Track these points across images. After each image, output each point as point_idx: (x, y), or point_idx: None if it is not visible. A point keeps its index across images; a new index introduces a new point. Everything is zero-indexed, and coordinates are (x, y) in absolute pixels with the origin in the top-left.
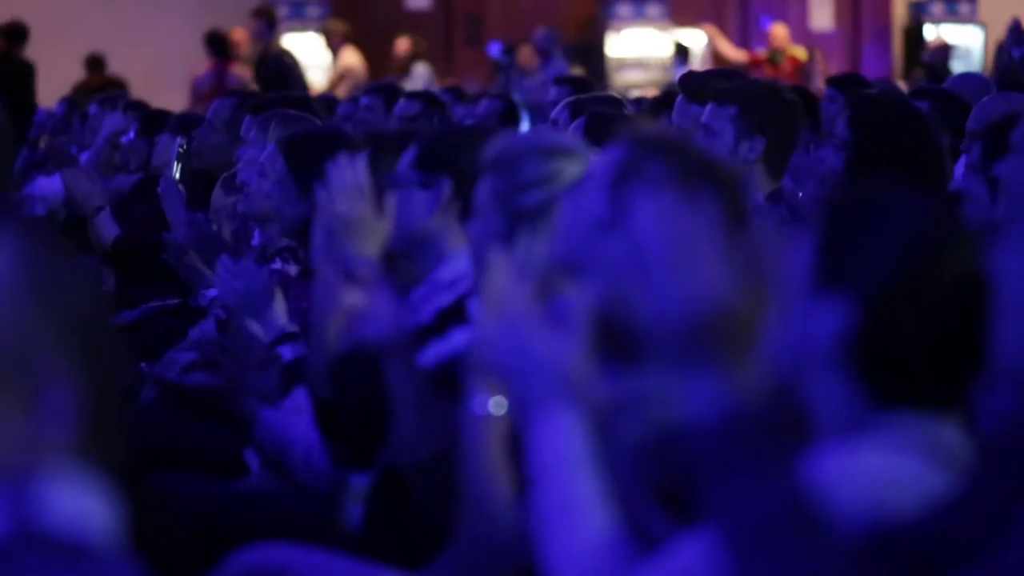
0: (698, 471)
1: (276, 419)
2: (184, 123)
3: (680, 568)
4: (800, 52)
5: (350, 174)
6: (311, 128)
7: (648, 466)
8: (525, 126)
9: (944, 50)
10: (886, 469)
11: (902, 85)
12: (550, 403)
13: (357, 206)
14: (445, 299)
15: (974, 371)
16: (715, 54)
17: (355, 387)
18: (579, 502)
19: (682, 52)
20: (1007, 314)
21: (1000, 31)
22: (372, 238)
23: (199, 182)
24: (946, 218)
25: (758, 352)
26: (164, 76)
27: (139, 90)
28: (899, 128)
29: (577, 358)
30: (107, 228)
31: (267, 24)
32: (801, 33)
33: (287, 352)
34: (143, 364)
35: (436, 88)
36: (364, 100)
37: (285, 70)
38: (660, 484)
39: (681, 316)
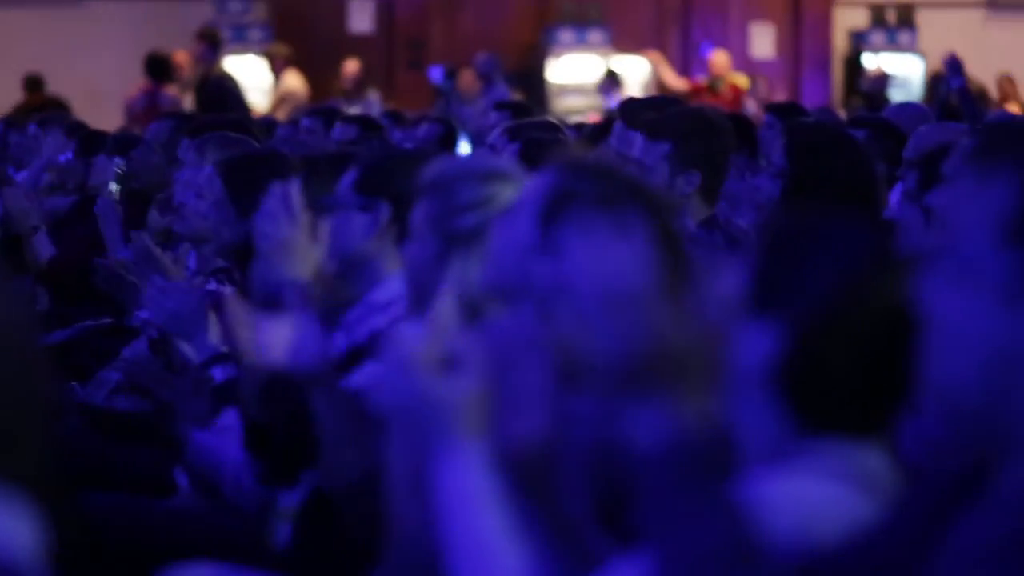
0: (639, 500)
1: (206, 440)
2: (122, 144)
3: None
4: (741, 79)
5: (283, 198)
6: (249, 150)
7: (589, 487)
8: (465, 150)
9: (882, 79)
10: (814, 496)
11: (841, 114)
12: (447, 443)
13: (289, 230)
14: (379, 321)
15: (900, 399)
16: (658, 81)
17: (284, 408)
18: (488, 543)
19: (611, 78)
20: (933, 345)
21: (939, 61)
22: (304, 262)
23: (136, 203)
24: (879, 247)
25: (707, 382)
26: (104, 97)
27: (80, 110)
28: (834, 156)
29: (471, 396)
30: (43, 248)
31: (210, 46)
32: (742, 61)
33: (218, 373)
34: (75, 384)
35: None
36: (304, 123)
37: (225, 93)
38: (601, 505)
39: (619, 353)
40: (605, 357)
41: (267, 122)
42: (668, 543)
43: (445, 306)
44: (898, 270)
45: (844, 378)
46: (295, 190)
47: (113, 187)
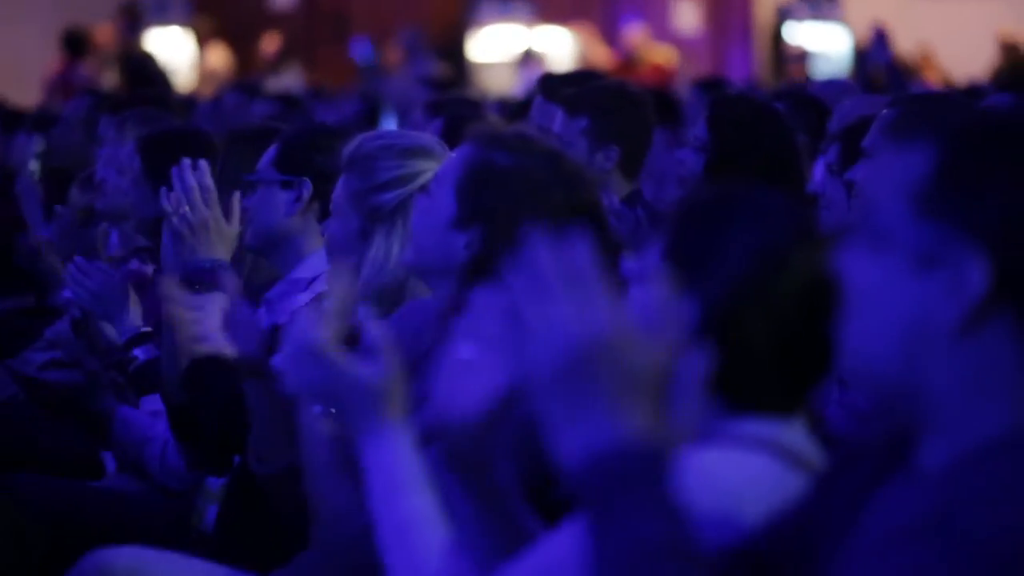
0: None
1: (132, 417)
2: (41, 121)
3: (543, 563)
4: (662, 55)
5: (196, 177)
6: (168, 127)
7: (518, 462)
8: (390, 125)
9: (803, 56)
10: (737, 475)
11: (767, 86)
12: (367, 426)
13: (202, 210)
14: (302, 299)
15: (821, 374)
16: (584, 55)
17: (209, 391)
18: (412, 522)
19: (529, 54)
20: (852, 316)
21: (864, 32)
22: (220, 242)
23: (56, 181)
24: (798, 220)
25: (652, 381)
26: (24, 73)
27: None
28: (757, 129)
29: (387, 378)
30: None
31: (130, 22)
32: (665, 34)
33: (141, 353)
34: None
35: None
36: (227, 99)
37: (147, 69)
38: (529, 483)
39: (551, 354)
40: (538, 363)
41: (188, 99)
42: (604, 549)
43: (342, 286)
44: (818, 243)
45: (762, 354)
46: (206, 169)
47: (33, 165)
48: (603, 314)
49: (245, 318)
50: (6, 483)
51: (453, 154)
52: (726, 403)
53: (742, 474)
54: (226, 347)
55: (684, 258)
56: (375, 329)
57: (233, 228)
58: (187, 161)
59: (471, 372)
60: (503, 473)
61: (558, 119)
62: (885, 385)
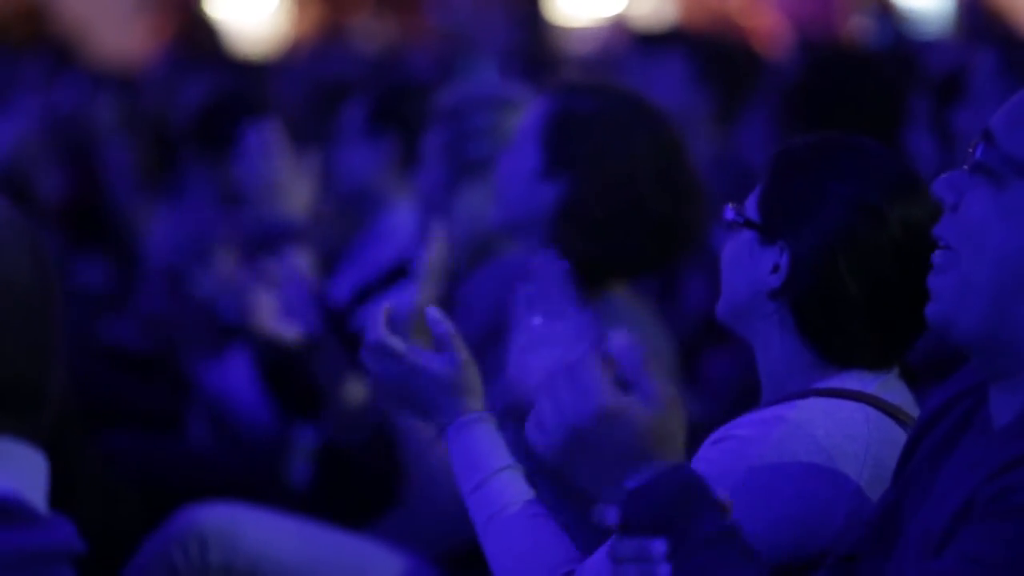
0: None
1: (218, 376)
2: (125, 83)
3: None
4: (763, 20)
5: (264, 138)
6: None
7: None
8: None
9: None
10: (833, 429)
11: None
12: (446, 419)
13: (274, 170)
14: (390, 251)
15: (916, 329)
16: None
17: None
18: (505, 512)
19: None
20: (959, 253)
21: None
22: (294, 199)
23: (145, 142)
24: (896, 173)
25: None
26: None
27: None
28: (856, 83)
29: (456, 370)
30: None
31: None
32: None
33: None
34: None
35: None
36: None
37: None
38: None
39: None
40: None
41: (267, 59)
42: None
43: (434, 254)
44: (915, 197)
45: (856, 307)
46: (277, 130)
47: (113, 126)
48: (591, 398)
49: (303, 299)
50: (96, 444)
51: (533, 105)
52: (820, 356)
53: (838, 430)
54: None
55: (780, 206)
56: (440, 322)
57: (306, 186)
58: (252, 123)
59: (542, 343)
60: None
61: (666, 62)
62: (975, 333)
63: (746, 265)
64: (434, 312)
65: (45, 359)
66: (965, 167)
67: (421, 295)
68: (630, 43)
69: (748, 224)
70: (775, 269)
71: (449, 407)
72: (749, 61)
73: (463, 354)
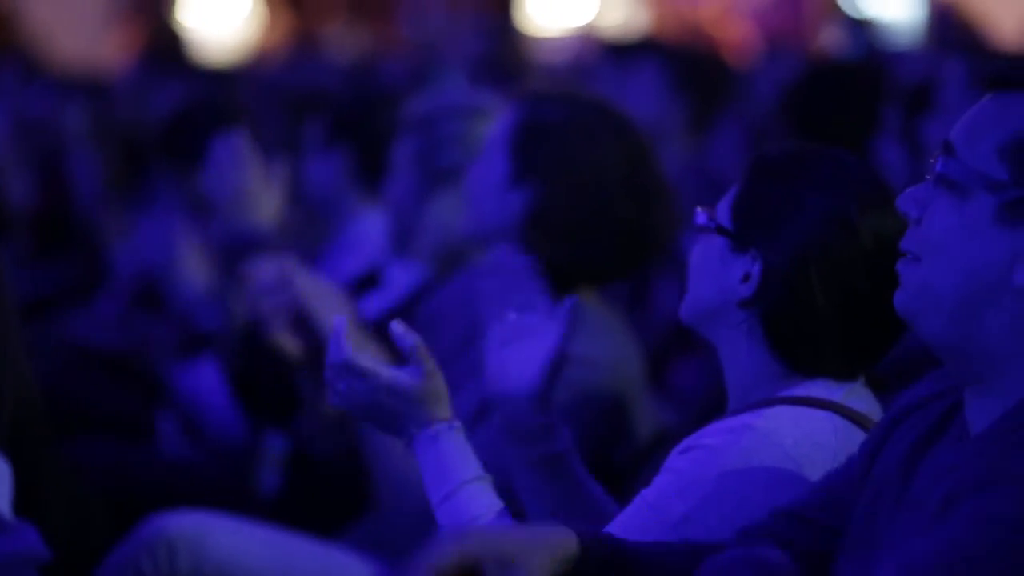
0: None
1: (188, 382)
2: (95, 90)
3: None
4: (733, 31)
5: (233, 147)
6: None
7: (577, 433)
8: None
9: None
10: (801, 437)
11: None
12: (414, 431)
13: (243, 179)
14: (357, 261)
15: (886, 340)
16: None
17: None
18: (474, 520)
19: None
20: (920, 260)
21: None
22: (263, 209)
23: (114, 150)
24: (869, 185)
25: None
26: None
27: None
28: (839, 96)
29: (424, 381)
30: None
31: None
32: None
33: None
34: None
35: None
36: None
37: (176, 44)
38: (590, 449)
39: None
40: None
41: (237, 68)
42: None
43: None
44: (887, 209)
45: (826, 317)
46: (246, 139)
47: (82, 133)
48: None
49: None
50: (63, 448)
51: (502, 114)
52: (789, 365)
53: (806, 439)
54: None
55: (754, 215)
56: (404, 336)
57: (275, 195)
58: (222, 132)
59: (517, 337)
60: (563, 441)
61: (640, 70)
62: (941, 334)
63: (715, 271)
64: (398, 325)
65: (5, 361)
66: (928, 179)
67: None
68: (602, 52)
69: (720, 230)
70: (746, 278)
71: (417, 418)
72: (722, 71)
73: (428, 365)
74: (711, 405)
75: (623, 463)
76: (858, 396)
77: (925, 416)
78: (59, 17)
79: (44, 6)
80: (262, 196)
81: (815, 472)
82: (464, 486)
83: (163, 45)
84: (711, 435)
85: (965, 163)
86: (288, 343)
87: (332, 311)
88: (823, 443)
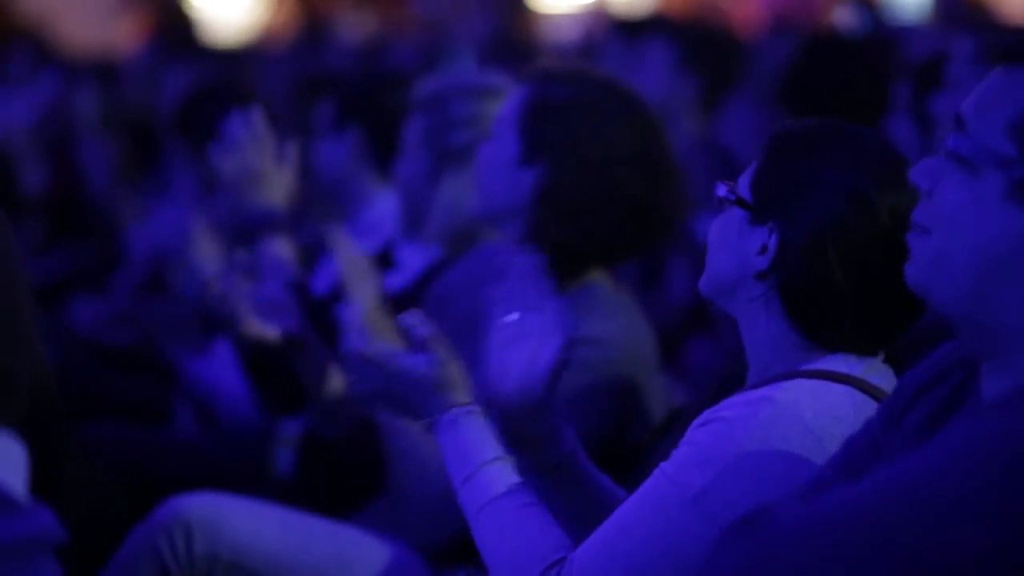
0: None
1: (202, 367)
2: (104, 73)
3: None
4: (743, 8)
5: (246, 126)
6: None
7: (581, 427)
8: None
9: None
10: (821, 412)
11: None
12: (434, 416)
13: (253, 159)
14: (370, 243)
15: (904, 316)
16: None
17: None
18: (498, 502)
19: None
20: (931, 235)
21: None
22: (275, 189)
23: (126, 135)
24: (886, 162)
25: None
26: (72, 22)
27: None
28: (846, 71)
29: (440, 367)
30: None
31: None
32: None
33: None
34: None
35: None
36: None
37: (186, 24)
38: (596, 440)
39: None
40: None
41: (249, 49)
42: None
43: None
44: (904, 186)
45: (844, 293)
46: (258, 119)
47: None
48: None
49: (280, 298)
50: (81, 433)
51: (511, 94)
52: (808, 338)
53: (825, 412)
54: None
55: (773, 188)
56: (419, 325)
57: (286, 176)
58: (236, 112)
59: (519, 339)
60: (567, 442)
61: (649, 48)
62: (954, 308)
63: (734, 244)
64: (409, 315)
65: (14, 347)
66: (940, 154)
67: (364, 301)
68: (611, 30)
69: (739, 203)
70: (763, 250)
71: (436, 404)
72: (732, 49)
73: (445, 352)
74: (726, 383)
75: (637, 443)
76: (877, 371)
77: (936, 391)
78: (68, 3)
79: None
80: (274, 176)
81: (834, 445)
82: (485, 466)
83: (174, 27)
84: (730, 407)
85: (975, 139)
86: (261, 331)
87: (362, 285)
88: (842, 416)
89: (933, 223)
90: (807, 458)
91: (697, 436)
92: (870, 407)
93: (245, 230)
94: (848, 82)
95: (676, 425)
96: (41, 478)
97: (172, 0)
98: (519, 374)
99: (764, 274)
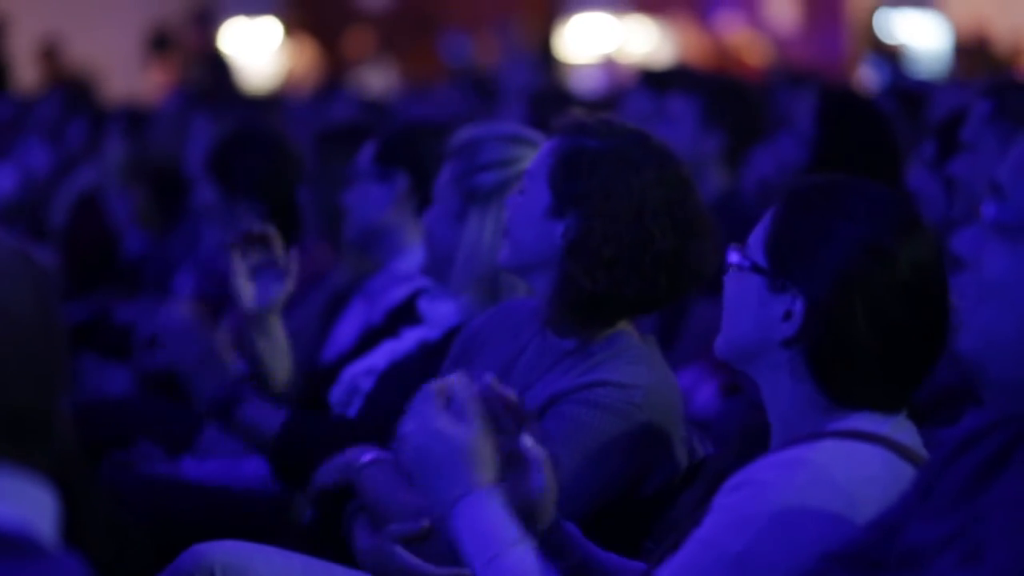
0: None
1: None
2: (134, 120)
3: None
4: (757, 55)
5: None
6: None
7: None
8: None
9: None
10: (851, 473)
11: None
12: (466, 493)
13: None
14: (398, 294)
15: (926, 368)
16: (676, 46)
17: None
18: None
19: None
20: (979, 305)
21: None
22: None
23: (156, 182)
24: (902, 213)
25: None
26: (107, 70)
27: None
28: (864, 127)
29: (476, 440)
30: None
31: (201, 18)
32: (758, 24)
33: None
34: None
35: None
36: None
37: (226, 68)
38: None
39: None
40: None
41: (273, 97)
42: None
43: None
44: (922, 237)
45: (869, 348)
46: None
47: (117, 166)
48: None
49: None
50: (105, 478)
51: (542, 146)
52: (832, 399)
53: (856, 473)
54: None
55: (790, 251)
56: (464, 389)
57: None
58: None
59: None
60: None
61: (674, 102)
62: (1010, 375)
63: (754, 311)
64: (460, 379)
65: (50, 391)
66: (979, 222)
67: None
68: (636, 81)
69: (756, 269)
70: (787, 316)
71: (466, 480)
72: (756, 101)
73: (482, 424)
74: (751, 436)
75: (660, 492)
76: (904, 429)
77: (981, 450)
78: (102, 52)
79: (88, 43)
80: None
81: (867, 507)
82: (510, 548)
83: (208, 74)
84: (762, 470)
85: (1016, 204)
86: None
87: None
88: (874, 477)
89: (982, 293)
90: (842, 520)
91: (730, 500)
92: (899, 467)
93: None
94: (866, 138)
95: (700, 475)
96: (66, 524)
97: (207, 47)
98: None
99: (791, 341)
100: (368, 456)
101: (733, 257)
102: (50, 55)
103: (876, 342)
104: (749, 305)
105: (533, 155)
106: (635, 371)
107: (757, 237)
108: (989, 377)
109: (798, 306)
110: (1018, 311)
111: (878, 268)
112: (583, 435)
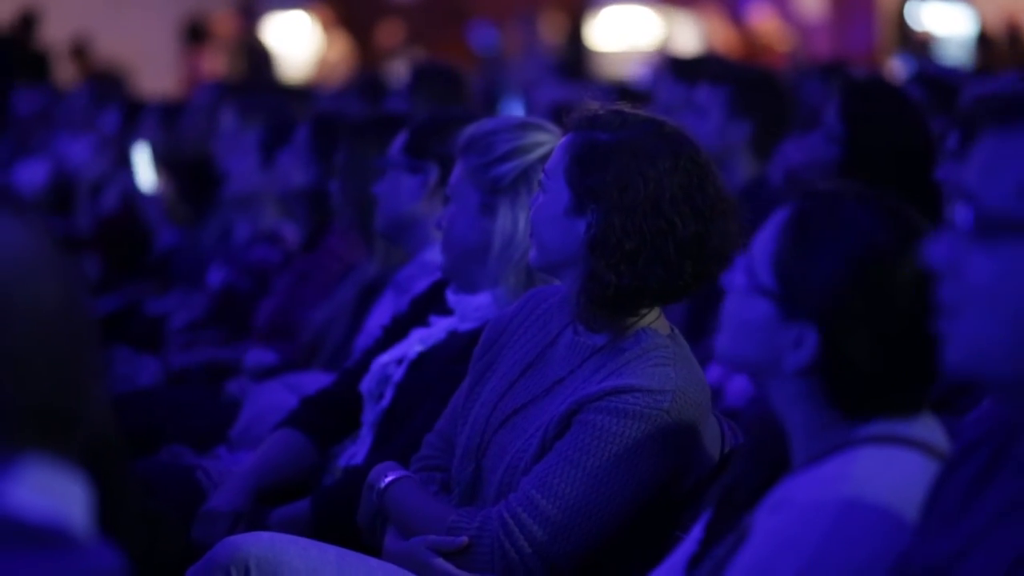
0: None
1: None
2: (168, 112)
3: None
4: (785, 43)
5: None
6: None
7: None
8: (515, 111)
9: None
10: (894, 474)
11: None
12: None
13: None
14: (424, 283)
15: (936, 370)
16: (707, 38)
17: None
18: None
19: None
20: (960, 314)
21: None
22: None
23: (186, 173)
24: (896, 223)
25: None
26: (143, 62)
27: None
28: (892, 120)
29: None
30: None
31: (246, 9)
32: (788, 16)
33: None
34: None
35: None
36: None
37: (267, 59)
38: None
39: None
40: None
41: (307, 89)
42: None
43: None
44: (915, 245)
45: (873, 360)
46: None
47: (144, 157)
48: None
49: None
50: (139, 470)
51: (558, 142)
52: (851, 415)
53: (898, 479)
54: None
55: (799, 276)
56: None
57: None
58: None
59: None
60: None
61: (703, 92)
62: (1005, 381)
63: (762, 334)
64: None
65: (78, 385)
66: (949, 229)
67: None
68: (665, 69)
69: (767, 293)
70: (797, 343)
71: None
72: (783, 91)
73: None
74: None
75: (691, 487)
76: (929, 427)
77: (978, 454)
78: (139, 42)
79: (124, 33)
80: None
81: (910, 514)
82: None
83: (249, 63)
84: (799, 489)
85: (987, 207)
86: None
87: None
88: (914, 482)
89: (962, 302)
90: (889, 534)
91: (771, 524)
92: (933, 467)
93: None
94: (896, 130)
95: (729, 466)
96: (100, 515)
97: (248, 38)
98: None
99: (803, 372)
100: (389, 476)
101: (739, 278)
102: (80, 53)
103: (894, 362)
104: (756, 328)
105: (547, 140)
106: (663, 374)
107: (763, 253)
108: (987, 384)
109: (810, 338)
110: (1010, 312)
111: (871, 281)
112: (612, 444)
